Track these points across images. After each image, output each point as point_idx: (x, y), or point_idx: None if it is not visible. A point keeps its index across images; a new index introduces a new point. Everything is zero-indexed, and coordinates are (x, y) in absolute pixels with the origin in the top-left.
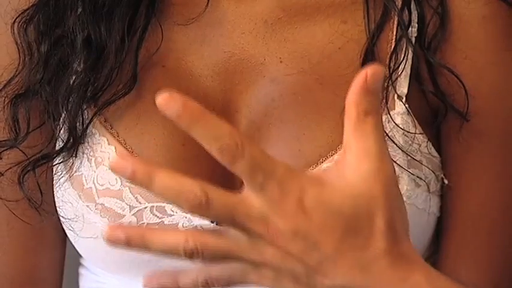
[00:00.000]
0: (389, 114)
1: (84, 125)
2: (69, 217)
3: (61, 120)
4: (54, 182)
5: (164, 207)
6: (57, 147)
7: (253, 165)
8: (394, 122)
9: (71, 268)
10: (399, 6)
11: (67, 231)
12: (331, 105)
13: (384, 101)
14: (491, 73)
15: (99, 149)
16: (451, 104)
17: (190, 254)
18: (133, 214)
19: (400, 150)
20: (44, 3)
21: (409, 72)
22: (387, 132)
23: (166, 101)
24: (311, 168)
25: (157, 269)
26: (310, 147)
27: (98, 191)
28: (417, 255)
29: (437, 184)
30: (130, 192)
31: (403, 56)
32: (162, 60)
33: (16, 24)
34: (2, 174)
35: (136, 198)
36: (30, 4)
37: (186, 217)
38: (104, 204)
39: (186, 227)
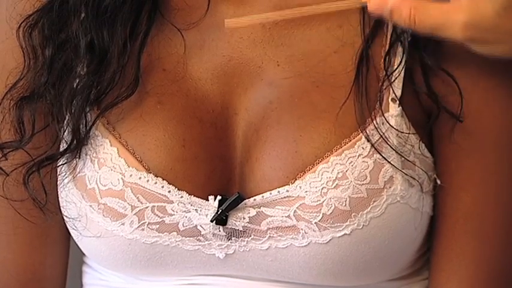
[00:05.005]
0: (384, 116)
1: (88, 127)
2: (72, 216)
3: (65, 122)
4: (58, 182)
5: (165, 206)
6: (61, 149)
7: None
8: (389, 124)
9: (74, 265)
10: None
11: (71, 231)
12: (327, 107)
13: (378, 103)
14: (485, 78)
15: (101, 150)
16: (444, 105)
17: None
18: (135, 214)
19: (394, 152)
20: (48, 8)
21: (403, 75)
22: (382, 133)
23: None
24: (307, 169)
25: (159, 267)
26: (306, 149)
27: (100, 191)
28: None
29: (430, 184)
30: (132, 192)
31: (397, 59)
32: (163, 63)
33: (21, 28)
34: (8, 175)
35: (137, 198)
36: (35, 9)
37: (186, 217)
38: (106, 204)
39: (186, 226)
